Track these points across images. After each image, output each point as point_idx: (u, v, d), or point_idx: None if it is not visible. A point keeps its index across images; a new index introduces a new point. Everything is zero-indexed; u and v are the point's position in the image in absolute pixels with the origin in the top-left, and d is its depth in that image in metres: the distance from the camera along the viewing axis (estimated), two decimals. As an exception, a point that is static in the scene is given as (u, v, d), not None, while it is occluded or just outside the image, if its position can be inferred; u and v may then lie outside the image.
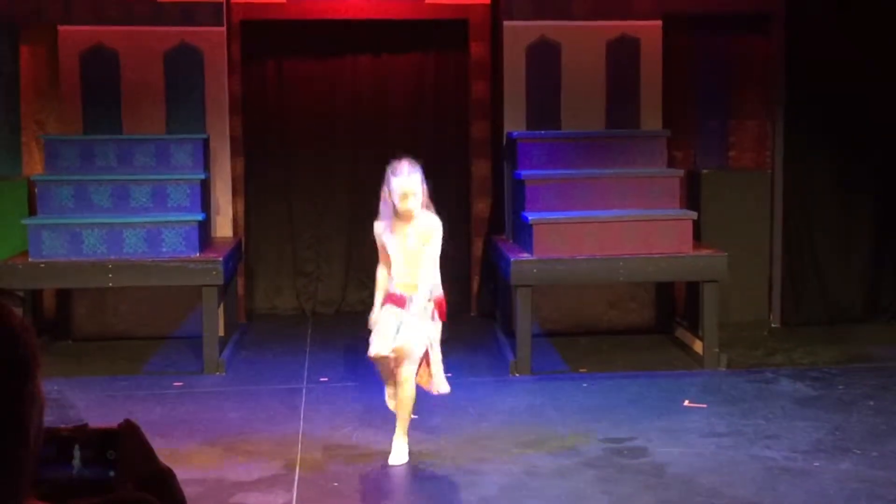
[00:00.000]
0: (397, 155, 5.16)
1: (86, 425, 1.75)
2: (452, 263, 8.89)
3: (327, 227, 8.68)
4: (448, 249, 5.57)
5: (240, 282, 8.10)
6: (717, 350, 6.77)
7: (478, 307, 8.40)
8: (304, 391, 6.30)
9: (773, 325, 7.99)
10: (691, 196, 7.79)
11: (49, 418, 1.61)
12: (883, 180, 8.12)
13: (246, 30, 8.02)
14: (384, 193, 5.06)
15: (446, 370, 6.71)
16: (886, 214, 8.17)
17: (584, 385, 6.43)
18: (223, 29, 7.72)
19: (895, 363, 6.84)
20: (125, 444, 1.76)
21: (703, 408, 5.86)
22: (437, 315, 5.07)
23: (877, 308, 8.20)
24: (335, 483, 4.72)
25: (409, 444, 5.19)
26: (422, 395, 6.14)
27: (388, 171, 5.07)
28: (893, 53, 7.91)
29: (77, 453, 1.76)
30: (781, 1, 7.84)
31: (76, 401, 5.92)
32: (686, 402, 5.95)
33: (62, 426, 1.75)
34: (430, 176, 8.65)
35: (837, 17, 7.87)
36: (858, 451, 5.09)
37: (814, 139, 8.02)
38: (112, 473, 1.73)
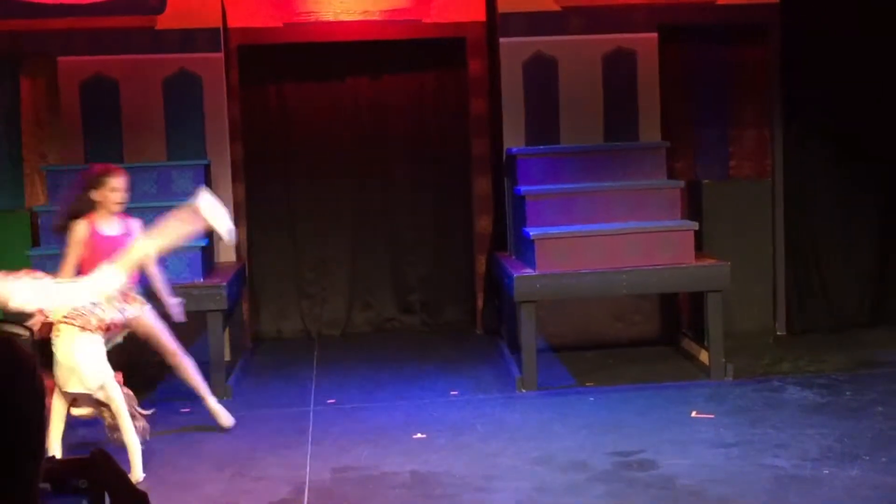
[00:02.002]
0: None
1: (53, 457, 1.78)
2: (457, 281, 8.94)
3: (330, 249, 8.70)
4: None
5: (244, 306, 8.11)
6: (723, 360, 6.76)
7: (483, 324, 8.40)
8: (311, 414, 6.30)
9: (778, 334, 7.98)
10: (692, 207, 7.80)
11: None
12: (884, 186, 8.13)
13: (244, 55, 8.06)
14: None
15: (452, 388, 6.75)
16: (889, 219, 8.17)
17: (591, 399, 6.42)
18: (221, 55, 7.75)
19: (903, 368, 6.83)
20: (98, 473, 1.77)
21: (710, 418, 5.85)
22: None
23: (882, 313, 8.19)
24: (345, 505, 4.72)
25: (418, 463, 5.21)
26: (424, 416, 6.15)
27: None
28: (890, 60, 7.93)
29: (70, 484, 1.78)
30: (776, 10, 7.86)
31: (81, 429, 5.91)
32: (694, 413, 5.94)
33: None
34: (433, 193, 8.71)
35: (832, 25, 7.89)
36: (868, 458, 5.07)
37: (813, 147, 8.03)
38: (84, 503, 1.74)
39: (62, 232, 5.57)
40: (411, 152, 8.65)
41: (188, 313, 6.99)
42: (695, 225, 7.08)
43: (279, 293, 8.68)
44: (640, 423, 5.83)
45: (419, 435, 5.75)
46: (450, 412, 6.23)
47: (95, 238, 5.52)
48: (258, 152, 8.41)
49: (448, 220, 8.64)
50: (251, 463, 5.37)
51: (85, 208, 5.55)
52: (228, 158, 7.84)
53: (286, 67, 8.49)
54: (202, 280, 6.84)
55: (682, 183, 7.52)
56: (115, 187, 5.55)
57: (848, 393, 6.29)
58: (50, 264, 6.73)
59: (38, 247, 7.06)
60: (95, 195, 5.53)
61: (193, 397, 6.72)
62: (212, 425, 6.07)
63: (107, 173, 5.57)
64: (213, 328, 6.73)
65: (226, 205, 7.80)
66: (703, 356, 7.00)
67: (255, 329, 8.51)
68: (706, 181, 7.92)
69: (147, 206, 7.17)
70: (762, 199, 7.95)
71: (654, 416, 5.96)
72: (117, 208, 5.62)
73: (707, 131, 8.17)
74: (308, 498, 4.82)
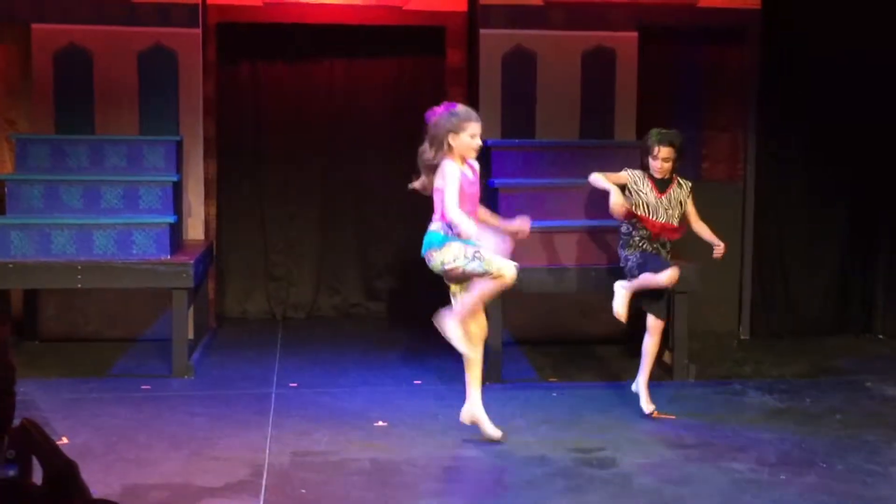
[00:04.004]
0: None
1: None
2: (426, 270, 8.89)
3: (299, 232, 8.66)
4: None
5: (210, 285, 8.05)
6: (686, 361, 6.80)
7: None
8: (273, 396, 6.27)
9: (742, 337, 8.04)
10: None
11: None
12: (853, 194, 8.20)
13: (222, 32, 7.99)
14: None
15: (416, 377, 6.74)
16: (854, 228, 8.25)
17: (554, 394, 6.44)
18: (199, 31, 7.68)
19: (862, 376, 6.89)
20: (27, 442, 1.74)
21: (671, 419, 5.88)
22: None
23: (844, 321, 8.28)
24: (303, 490, 4.70)
25: (378, 451, 5.20)
26: (386, 403, 6.14)
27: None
28: (869, 67, 7.99)
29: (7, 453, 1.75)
30: (758, 14, 7.90)
31: (41, 403, 5.85)
32: (655, 413, 5.96)
33: None
34: (404, 181, 8.64)
35: (812, 32, 7.94)
36: (824, 465, 5.12)
37: (786, 152, 8.09)
38: (11, 472, 1.71)
39: (430, 171, 5.22)
40: (385, 138, 8.62)
41: (152, 289, 6.94)
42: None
43: (246, 273, 8.64)
44: (602, 420, 5.86)
45: (381, 422, 5.74)
46: (412, 401, 6.22)
47: (464, 182, 5.20)
48: (231, 130, 8.35)
49: (419, 209, 8.60)
50: (210, 443, 5.34)
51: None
52: (201, 135, 7.77)
53: (264, 47, 8.42)
54: (169, 257, 6.79)
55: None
56: (475, 132, 5.23)
57: (808, 399, 6.34)
58: (15, 234, 6.67)
59: (4, 215, 6.96)
60: (453, 139, 5.18)
61: (153, 374, 6.69)
62: (172, 404, 6.03)
63: (468, 119, 5.22)
64: (177, 306, 6.67)
65: (196, 182, 7.79)
66: (667, 356, 7.04)
67: (220, 308, 8.46)
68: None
69: (117, 179, 7.12)
70: (733, 202, 7.99)
71: (615, 413, 5.99)
72: (473, 155, 5.29)
73: (683, 132, 8.17)
74: (266, 481, 4.80)
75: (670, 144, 5.99)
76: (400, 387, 6.55)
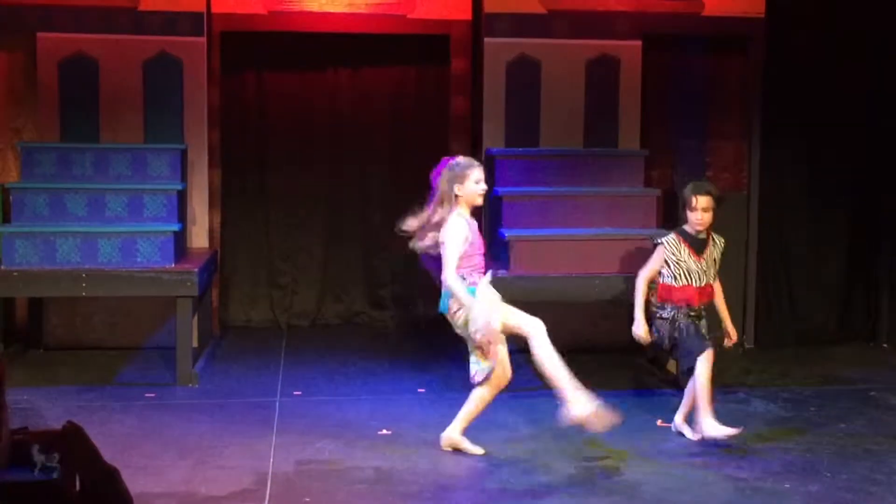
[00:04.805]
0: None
1: (25, 428, 1.74)
2: (430, 278, 8.89)
3: (303, 240, 8.67)
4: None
5: (214, 293, 8.06)
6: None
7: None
8: (277, 405, 6.27)
9: (746, 346, 8.03)
10: (668, 216, 7.82)
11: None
12: (857, 203, 8.21)
13: (226, 41, 8.01)
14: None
15: (420, 386, 6.74)
16: (857, 238, 8.25)
17: (559, 403, 6.42)
18: (204, 39, 7.71)
19: (867, 385, 6.89)
20: (70, 446, 1.74)
21: (668, 426, 5.87)
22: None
23: (848, 330, 8.27)
24: (307, 499, 4.69)
25: (382, 459, 5.20)
26: (390, 412, 6.14)
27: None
28: (872, 77, 8.00)
29: (38, 456, 1.75)
30: (762, 23, 7.91)
31: (46, 411, 5.86)
32: (659, 422, 5.96)
33: (9, 430, 1.73)
34: (409, 189, 8.68)
35: (816, 39, 7.95)
36: (829, 474, 5.11)
37: (789, 161, 8.10)
38: (55, 476, 1.71)
39: (437, 228, 5.24)
40: (389, 147, 8.64)
41: (156, 297, 6.95)
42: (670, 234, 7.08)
43: (250, 281, 8.64)
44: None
45: (384, 431, 5.75)
46: (416, 409, 6.22)
47: (471, 234, 5.23)
48: (235, 139, 8.37)
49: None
50: (215, 451, 5.34)
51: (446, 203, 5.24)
52: (206, 143, 7.79)
53: (268, 55, 8.44)
54: (173, 265, 6.80)
55: (658, 191, 7.55)
56: (479, 178, 5.24)
57: (812, 408, 6.34)
58: (20, 242, 6.69)
59: (9, 223, 6.98)
60: (459, 189, 5.20)
61: (157, 383, 6.70)
62: (176, 412, 6.04)
63: (470, 166, 5.25)
64: (181, 314, 6.69)
65: (201, 190, 7.80)
66: (671, 365, 7.02)
67: (224, 316, 8.47)
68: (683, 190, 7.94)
69: (122, 187, 7.13)
70: (737, 211, 7.98)
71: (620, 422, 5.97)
72: (480, 201, 5.31)
73: (686, 141, 8.21)
74: (270, 489, 4.80)
75: (707, 193, 5.70)
76: (404, 395, 6.55)
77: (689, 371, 5.62)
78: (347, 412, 6.13)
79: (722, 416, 6.12)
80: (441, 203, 5.26)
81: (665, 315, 5.77)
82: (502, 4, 7.77)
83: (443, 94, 8.38)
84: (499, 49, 7.81)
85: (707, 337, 5.73)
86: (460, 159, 5.35)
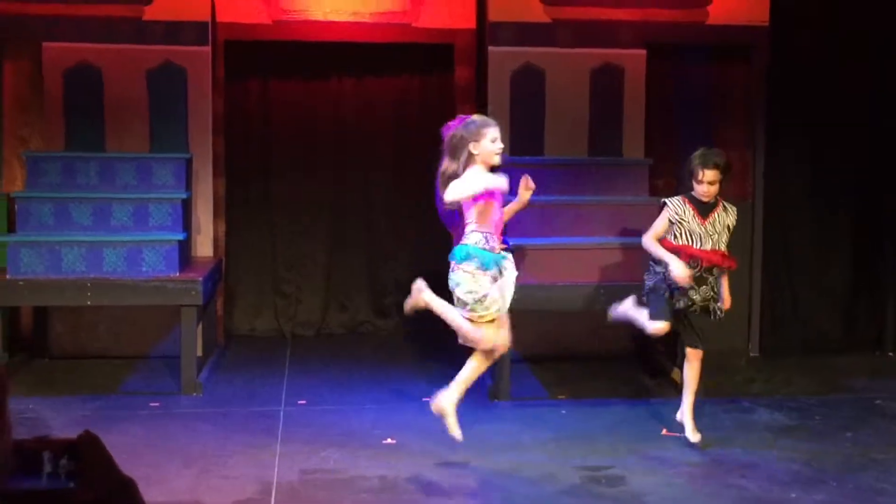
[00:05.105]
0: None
1: (47, 436, 1.73)
2: (434, 287, 8.88)
3: (308, 249, 8.67)
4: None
5: (219, 302, 8.07)
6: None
7: (458, 331, 8.36)
8: (281, 414, 6.27)
9: (751, 355, 8.02)
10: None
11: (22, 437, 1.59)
12: (862, 211, 8.20)
13: (231, 50, 8.02)
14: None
15: (425, 394, 6.72)
16: (862, 247, 8.24)
17: (563, 412, 6.42)
18: (208, 48, 7.72)
19: (872, 394, 6.88)
20: (86, 455, 1.73)
21: (680, 437, 5.86)
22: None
23: (853, 339, 8.25)
24: (311, 508, 4.69)
25: (387, 469, 5.19)
26: (394, 421, 6.13)
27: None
28: (875, 77, 8.00)
29: (48, 464, 1.74)
30: (766, 31, 7.91)
31: (51, 420, 5.87)
32: (664, 431, 5.95)
33: (26, 438, 1.72)
34: (413, 197, 8.65)
35: (819, 40, 7.95)
36: (835, 484, 5.10)
37: (794, 170, 8.09)
38: (71, 484, 1.70)
39: (453, 178, 5.08)
40: (393, 155, 8.64)
41: (161, 306, 6.95)
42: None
43: (254, 290, 8.64)
44: (610, 438, 5.84)
45: (389, 440, 5.74)
46: (421, 418, 6.20)
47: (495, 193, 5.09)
48: (240, 148, 8.38)
49: (427, 225, 8.62)
50: (219, 461, 5.34)
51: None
52: (210, 152, 7.80)
53: (272, 64, 8.46)
54: (178, 274, 6.80)
55: (663, 200, 7.53)
56: (496, 137, 5.11)
57: (817, 417, 6.32)
58: (25, 251, 6.70)
59: (15, 233, 6.99)
60: (475, 148, 5.07)
61: (162, 392, 6.70)
62: (180, 421, 6.03)
63: (486, 125, 5.12)
64: (186, 323, 6.69)
65: (205, 199, 7.81)
66: (676, 374, 7.02)
67: (229, 325, 8.47)
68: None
69: (127, 196, 7.14)
70: (742, 219, 7.94)
71: (624, 431, 5.97)
72: (497, 160, 5.17)
73: (690, 150, 8.16)
74: (275, 499, 4.79)
75: (715, 166, 5.60)
76: (408, 404, 6.54)
77: (689, 329, 5.81)
78: (352, 421, 6.13)
79: (727, 425, 6.13)
80: (453, 159, 5.11)
81: (658, 269, 5.73)
82: (506, 13, 7.78)
83: (447, 102, 8.38)
84: (503, 58, 7.82)
85: (694, 327, 5.80)
86: (476, 117, 5.21)
